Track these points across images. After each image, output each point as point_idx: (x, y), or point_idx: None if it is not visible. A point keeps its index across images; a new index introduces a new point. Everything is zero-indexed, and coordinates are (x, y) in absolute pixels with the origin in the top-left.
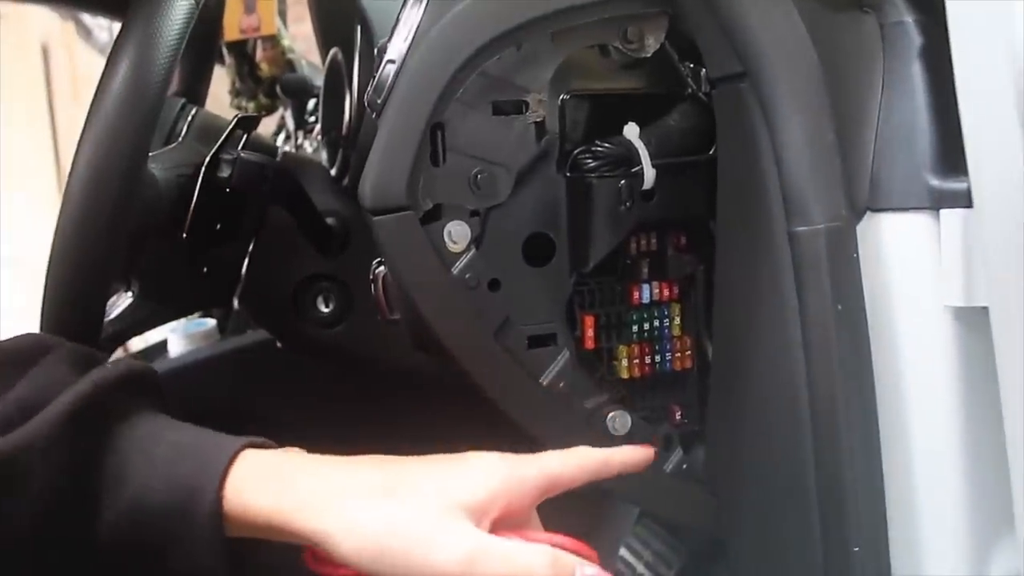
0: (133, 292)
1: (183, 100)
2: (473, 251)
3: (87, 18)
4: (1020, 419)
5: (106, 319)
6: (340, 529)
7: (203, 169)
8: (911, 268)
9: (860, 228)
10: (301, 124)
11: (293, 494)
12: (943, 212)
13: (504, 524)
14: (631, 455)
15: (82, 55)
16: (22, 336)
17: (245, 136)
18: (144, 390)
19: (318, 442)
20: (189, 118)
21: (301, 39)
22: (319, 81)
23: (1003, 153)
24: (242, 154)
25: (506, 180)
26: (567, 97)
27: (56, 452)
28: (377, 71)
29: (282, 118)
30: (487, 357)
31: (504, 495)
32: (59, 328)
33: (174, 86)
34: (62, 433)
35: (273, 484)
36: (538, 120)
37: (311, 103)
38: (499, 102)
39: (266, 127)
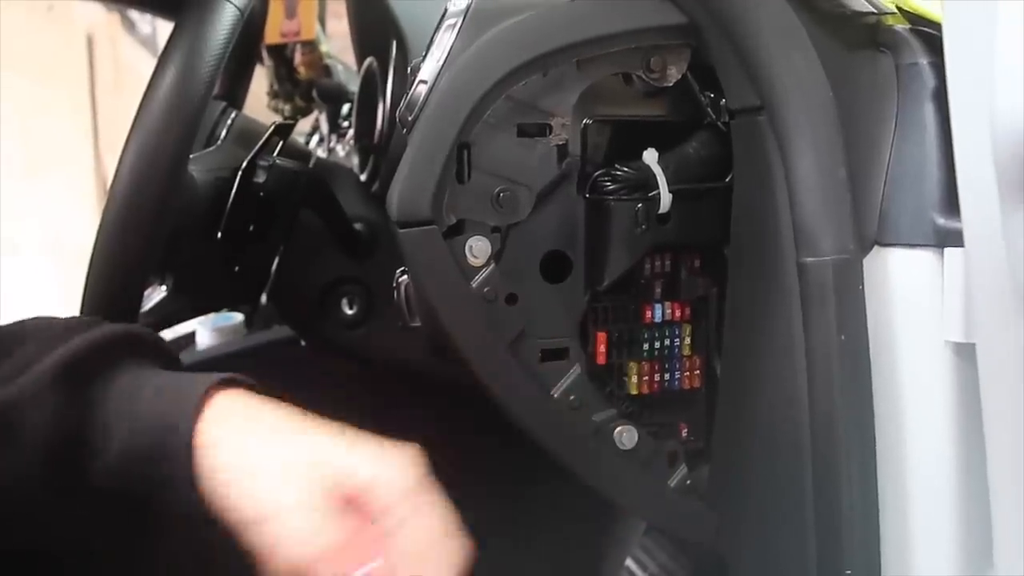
0: (167, 286)
1: (224, 104)
2: (493, 266)
3: (132, 11)
4: (1002, 454)
5: (141, 311)
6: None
7: (240, 173)
8: (914, 302)
9: (867, 261)
10: (335, 128)
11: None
12: (947, 250)
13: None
14: None
15: (125, 46)
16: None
17: (281, 143)
18: (140, 350)
19: None
20: (229, 122)
21: (338, 37)
22: (354, 86)
23: (986, 200)
24: (278, 160)
25: (527, 199)
26: (590, 122)
27: (45, 405)
28: (410, 89)
29: (317, 121)
30: (501, 368)
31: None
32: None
33: (215, 89)
34: (51, 386)
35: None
36: (561, 143)
37: (345, 108)
38: (524, 125)
39: (301, 128)
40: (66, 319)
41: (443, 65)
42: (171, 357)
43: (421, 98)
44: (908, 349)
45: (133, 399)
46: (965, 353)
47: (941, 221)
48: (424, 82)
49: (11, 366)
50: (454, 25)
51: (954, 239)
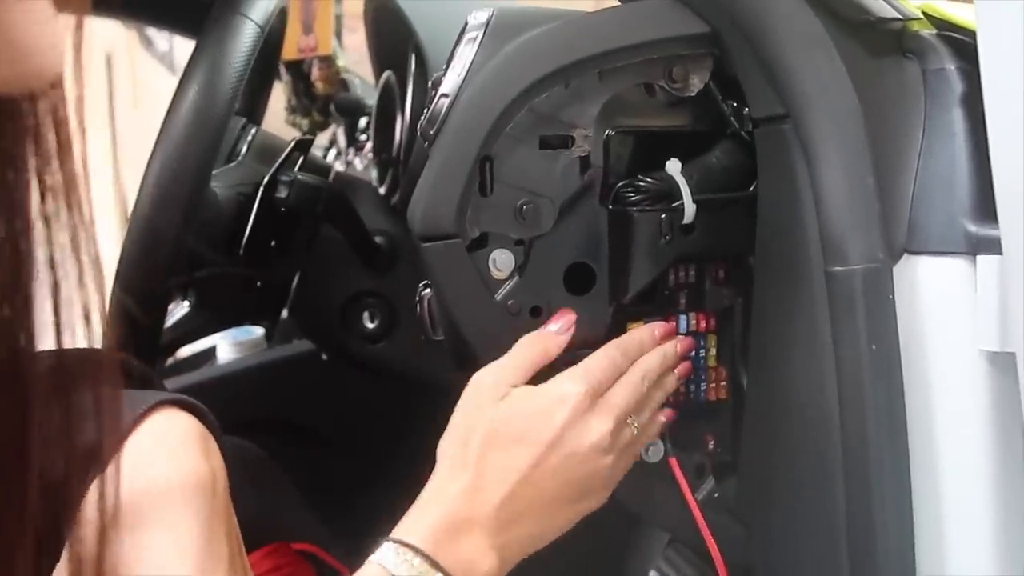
0: (190, 301)
1: (244, 120)
2: (516, 279)
3: (150, 29)
4: None
5: (165, 326)
6: None
7: (262, 189)
8: (946, 311)
9: (897, 270)
10: (352, 141)
11: None
12: (979, 258)
13: None
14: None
15: (143, 63)
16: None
17: (302, 158)
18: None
19: (356, 451)
20: (249, 138)
21: (353, 50)
22: (371, 99)
23: (1022, 207)
24: (299, 176)
25: (550, 211)
26: (612, 133)
27: None
28: (431, 102)
29: (334, 134)
30: None
31: None
32: (121, 336)
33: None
34: None
35: None
36: (583, 154)
37: (363, 121)
38: (546, 137)
39: (319, 142)
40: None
41: (465, 78)
42: (141, 378)
43: (443, 112)
44: (941, 358)
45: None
46: (1000, 362)
47: (973, 228)
48: (446, 96)
49: None
50: (475, 38)
51: (987, 246)
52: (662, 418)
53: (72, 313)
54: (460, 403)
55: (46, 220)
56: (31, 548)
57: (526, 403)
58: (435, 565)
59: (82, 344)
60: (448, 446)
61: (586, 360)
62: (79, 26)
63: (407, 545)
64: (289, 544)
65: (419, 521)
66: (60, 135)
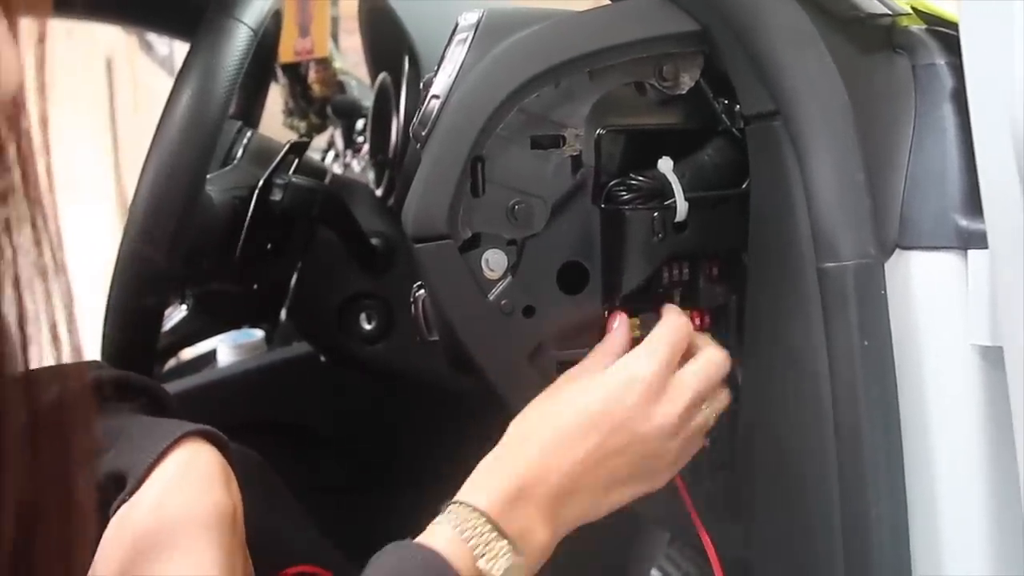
0: (188, 305)
1: (239, 123)
2: (509, 279)
3: (149, 33)
4: None
5: (163, 330)
6: None
7: (257, 192)
8: (938, 305)
9: (888, 265)
10: (350, 143)
11: None
12: (971, 252)
13: None
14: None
15: (144, 68)
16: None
17: (296, 161)
18: (127, 393)
19: (355, 452)
20: (245, 141)
21: (351, 52)
22: (368, 101)
23: (1009, 201)
24: (294, 179)
25: (542, 211)
26: (603, 132)
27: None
28: (423, 104)
29: (332, 136)
30: (520, 380)
31: None
32: (119, 340)
33: (231, 109)
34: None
35: None
36: (575, 154)
37: (360, 123)
38: (537, 136)
39: (317, 144)
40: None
41: (455, 79)
42: (160, 400)
43: (434, 113)
44: (933, 353)
45: (108, 438)
46: (992, 356)
47: (964, 223)
48: (437, 97)
49: None
50: (465, 39)
51: (978, 240)
52: (726, 400)
53: (39, 329)
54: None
55: (8, 232)
56: (5, 567)
57: (598, 382)
58: (497, 529)
59: (49, 361)
60: (521, 420)
61: (656, 334)
62: (41, 40)
63: (473, 508)
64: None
65: (484, 486)
66: (21, 147)
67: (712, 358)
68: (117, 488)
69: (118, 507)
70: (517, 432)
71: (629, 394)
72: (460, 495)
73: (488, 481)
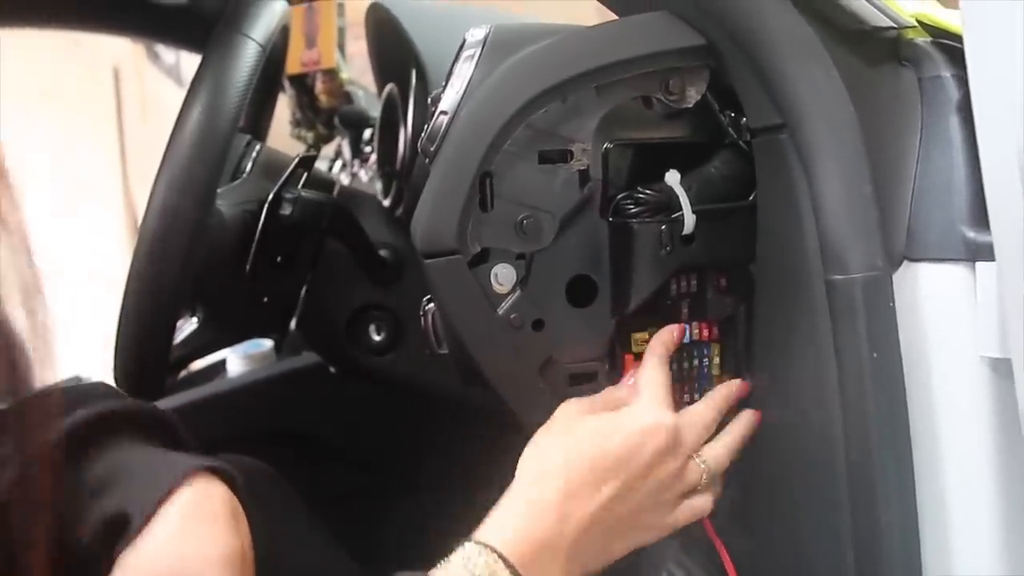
0: (198, 318)
1: (248, 137)
2: (518, 292)
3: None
4: None
5: (174, 342)
6: None
7: (266, 206)
8: (947, 317)
9: (896, 277)
10: (357, 153)
11: None
12: (979, 264)
13: None
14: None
15: (151, 77)
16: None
17: (305, 174)
18: (136, 426)
19: (364, 462)
20: (254, 155)
21: (358, 58)
22: (375, 111)
23: (1015, 213)
24: (303, 192)
25: (551, 225)
26: (610, 146)
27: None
28: (431, 119)
29: (339, 147)
30: (530, 393)
31: None
32: (133, 353)
33: (239, 123)
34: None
35: None
36: (582, 168)
37: (367, 133)
38: (545, 151)
39: (324, 153)
40: (83, 386)
41: (463, 96)
42: (170, 431)
43: (442, 129)
44: (942, 365)
45: (115, 474)
46: (1001, 368)
47: (971, 234)
48: (445, 113)
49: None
50: (473, 55)
51: (986, 252)
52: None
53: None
54: (548, 424)
55: None
56: None
57: (618, 426)
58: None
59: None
60: (536, 460)
61: (664, 382)
62: None
63: (496, 553)
64: None
65: (508, 528)
66: None
67: (714, 404)
68: (120, 528)
69: (122, 550)
70: (535, 469)
71: (649, 443)
72: (479, 535)
73: (512, 521)
